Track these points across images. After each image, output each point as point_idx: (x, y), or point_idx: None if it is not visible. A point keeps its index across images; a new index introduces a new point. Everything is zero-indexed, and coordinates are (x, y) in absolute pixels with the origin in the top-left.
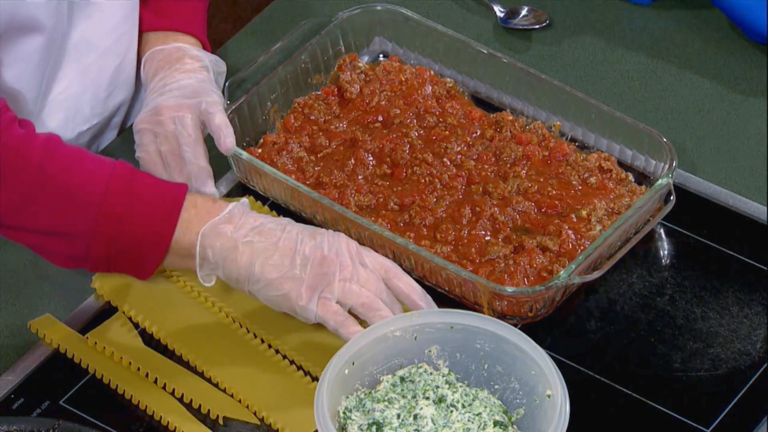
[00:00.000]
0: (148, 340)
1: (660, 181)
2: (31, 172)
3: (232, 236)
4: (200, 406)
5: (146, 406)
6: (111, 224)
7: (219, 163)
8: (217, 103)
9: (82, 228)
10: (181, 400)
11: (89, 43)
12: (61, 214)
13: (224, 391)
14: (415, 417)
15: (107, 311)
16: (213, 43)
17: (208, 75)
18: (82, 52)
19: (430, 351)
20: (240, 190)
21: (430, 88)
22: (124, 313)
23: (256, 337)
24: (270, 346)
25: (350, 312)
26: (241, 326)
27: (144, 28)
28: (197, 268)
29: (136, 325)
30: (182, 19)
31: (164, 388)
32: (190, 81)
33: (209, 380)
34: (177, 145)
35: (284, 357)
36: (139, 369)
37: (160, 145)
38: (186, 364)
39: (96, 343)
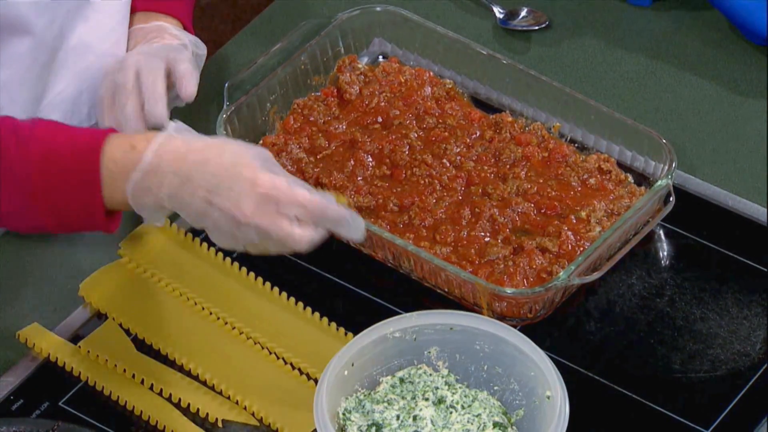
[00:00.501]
0: (140, 346)
1: (659, 183)
2: None
3: (156, 195)
4: (198, 410)
5: (144, 413)
6: (42, 199)
7: None
8: (186, 57)
9: (18, 205)
10: (178, 405)
11: (87, 45)
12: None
13: (221, 393)
14: (415, 418)
15: (97, 319)
16: (212, 44)
17: (186, 49)
18: (79, 54)
19: (429, 352)
20: None
21: (430, 89)
22: (113, 320)
23: (250, 339)
24: (266, 349)
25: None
26: (234, 328)
27: (131, 11)
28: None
29: (128, 332)
30: (167, 2)
31: (161, 393)
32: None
33: (205, 384)
34: (135, 81)
35: (280, 358)
36: (134, 376)
37: (116, 80)
38: (181, 369)
39: (89, 351)
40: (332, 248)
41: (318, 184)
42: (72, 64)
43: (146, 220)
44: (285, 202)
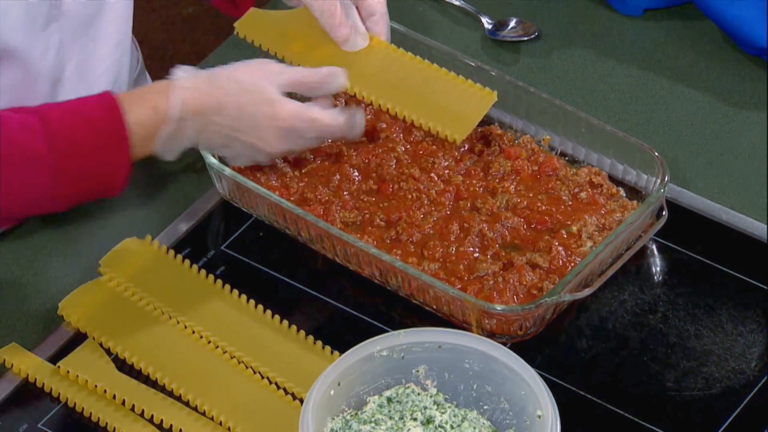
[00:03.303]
0: (121, 366)
1: (652, 196)
2: None
3: (180, 141)
4: (180, 431)
5: None
6: (67, 182)
7: (201, 180)
8: None
9: (42, 192)
10: (160, 426)
11: (82, 74)
12: (18, 191)
13: (204, 414)
14: None
15: (76, 339)
16: (194, 56)
17: None
18: (74, 84)
19: (417, 371)
20: (222, 207)
21: None
22: (93, 339)
23: (233, 358)
24: (251, 368)
25: None
26: (217, 347)
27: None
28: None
29: (108, 352)
30: None
31: (142, 415)
32: None
33: (188, 404)
34: None
35: (265, 378)
36: (115, 397)
37: None
38: (163, 389)
39: (69, 372)
40: (317, 264)
41: (303, 199)
42: (67, 94)
43: (161, 156)
44: (306, 130)
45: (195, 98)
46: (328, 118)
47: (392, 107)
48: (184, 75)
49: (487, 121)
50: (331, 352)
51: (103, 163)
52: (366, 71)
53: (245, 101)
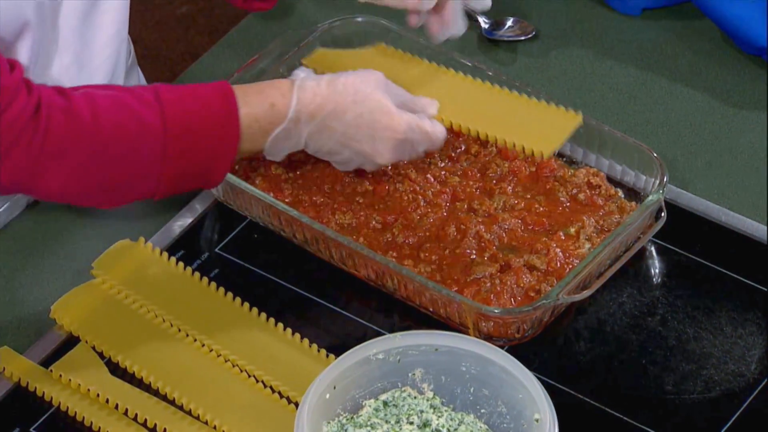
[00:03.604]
0: (114, 369)
1: (651, 198)
2: (86, 138)
3: (292, 143)
4: None
5: None
6: (175, 160)
7: None
8: None
9: (149, 170)
10: (154, 430)
11: (80, 63)
12: (127, 165)
13: (198, 418)
14: None
15: (69, 342)
16: (188, 56)
17: None
18: (72, 74)
19: (414, 374)
20: (216, 209)
21: None
22: (86, 342)
23: (228, 361)
24: (245, 372)
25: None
26: (211, 350)
27: None
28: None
29: (101, 355)
30: None
31: (135, 419)
32: None
33: (182, 408)
34: None
35: (259, 381)
36: (108, 400)
37: None
38: (156, 393)
39: (61, 375)
40: (312, 267)
41: (297, 200)
42: (75, 82)
43: (267, 155)
44: (420, 141)
45: (314, 101)
46: (438, 131)
47: (482, 132)
48: (304, 76)
49: None
50: (327, 356)
51: (212, 150)
52: (447, 100)
53: (364, 110)
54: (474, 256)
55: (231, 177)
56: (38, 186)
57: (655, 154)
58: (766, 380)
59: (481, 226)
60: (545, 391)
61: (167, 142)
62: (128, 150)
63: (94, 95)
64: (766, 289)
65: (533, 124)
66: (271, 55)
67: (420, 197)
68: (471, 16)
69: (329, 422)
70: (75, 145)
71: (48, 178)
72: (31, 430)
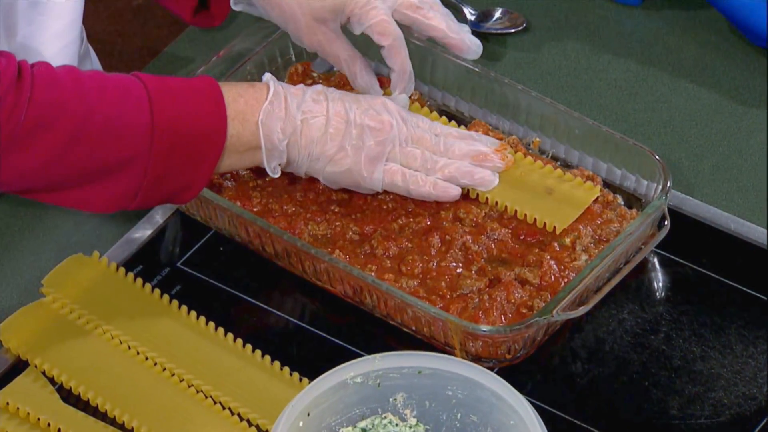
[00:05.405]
0: (66, 396)
1: (653, 204)
2: (71, 109)
3: (292, 115)
4: None
5: None
6: (165, 136)
7: None
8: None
9: (137, 149)
10: None
11: (31, 49)
12: (114, 144)
13: None
14: None
15: (16, 366)
16: (148, 51)
17: None
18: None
19: (395, 399)
20: (178, 219)
21: None
22: (36, 367)
23: (191, 386)
24: (210, 398)
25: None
26: (173, 375)
27: None
28: (264, 159)
29: (52, 381)
30: None
31: None
32: None
33: None
34: None
35: (226, 408)
36: (59, 430)
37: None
38: (113, 422)
39: (8, 403)
40: (284, 283)
41: (267, 210)
42: None
43: (269, 169)
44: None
45: (293, 87)
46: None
47: (501, 203)
48: (274, 84)
49: (470, 121)
50: (300, 380)
51: (199, 147)
52: None
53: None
54: (460, 270)
55: None
56: (17, 163)
57: (657, 157)
58: None
59: (468, 237)
60: (539, 417)
61: (154, 113)
62: (115, 124)
63: (74, 68)
64: None
65: (548, 200)
66: (237, 51)
67: (400, 206)
68: (456, 7)
69: None
70: (61, 113)
71: (31, 152)
72: None
